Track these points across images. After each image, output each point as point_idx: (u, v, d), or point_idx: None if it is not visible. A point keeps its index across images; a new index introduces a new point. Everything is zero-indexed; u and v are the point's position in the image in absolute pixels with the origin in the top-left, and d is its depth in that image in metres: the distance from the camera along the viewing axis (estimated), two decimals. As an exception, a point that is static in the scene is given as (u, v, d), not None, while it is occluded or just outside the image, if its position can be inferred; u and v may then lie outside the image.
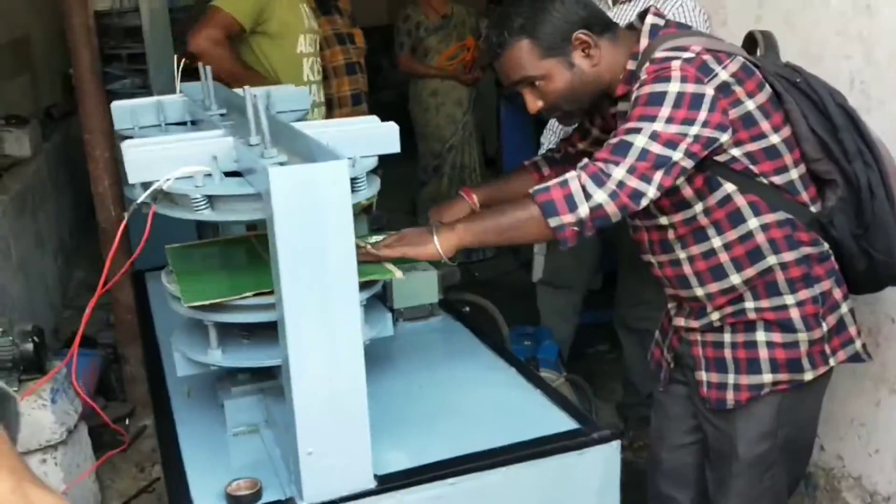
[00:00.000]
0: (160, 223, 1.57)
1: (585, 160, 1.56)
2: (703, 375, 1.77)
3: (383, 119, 1.57)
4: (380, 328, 1.57)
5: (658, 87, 1.53)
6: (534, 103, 1.69)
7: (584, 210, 1.50)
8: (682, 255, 1.70)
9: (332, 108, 3.48)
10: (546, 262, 3.12)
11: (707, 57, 1.56)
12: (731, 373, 1.72)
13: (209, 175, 1.34)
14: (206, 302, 1.38)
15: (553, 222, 1.51)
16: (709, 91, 1.54)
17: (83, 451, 2.53)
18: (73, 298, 4.35)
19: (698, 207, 1.64)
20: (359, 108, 3.62)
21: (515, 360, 1.81)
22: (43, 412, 2.35)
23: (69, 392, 2.44)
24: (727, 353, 1.72)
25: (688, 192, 1.63)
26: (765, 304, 1.68)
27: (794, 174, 1.66)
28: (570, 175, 1.52)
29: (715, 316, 1.73)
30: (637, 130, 1.52)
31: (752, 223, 1.64)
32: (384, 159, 1.47)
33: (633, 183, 1.50)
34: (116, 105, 1.92)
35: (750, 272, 1.67)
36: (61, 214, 4.75)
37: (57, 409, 2.39)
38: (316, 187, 1.18)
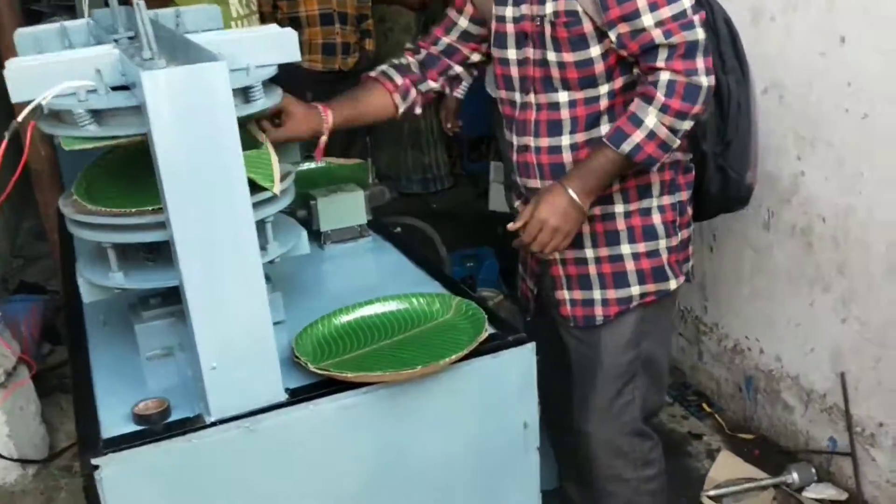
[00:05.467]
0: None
1: (647, 90, 1.51)
2: (564, 294, 1.76)
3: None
4: (293, 245, 1.54)
5: None
6: None
7: (676, 143, 1.54)
8: (566, 140, 1.65)
9: (300, 26, 3.39)
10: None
11: None
12: (598, 288, 1.72)
13: (94, 91, 1.29)
14: (94, 208, 1.34)
15: (655, 167, 1.58)
16: None
17: (25, 394, 2.51)
18: (22, 247, 4.28)
19: (603, 89, 1.61)
20: (330, 27, 3.51)
21: (442, 276, 1.79)
22: (-21, 356, 2.32)
23: (4, 334, 2.40)
24: (591, 269, 1.72)
25: (600, 67, 1.59)
26: (633, 206, 1.68)
27: None
28: (651, 121, 1.50)
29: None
30: (689, 24, 1.48)
31: None
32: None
33: (712, 80, 1.52)
34: (20, 32, 1.84)
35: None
36: (5, 164, 4.64)
37: (-7, 353, 2.36)
38: (194, 92, 1.13)
